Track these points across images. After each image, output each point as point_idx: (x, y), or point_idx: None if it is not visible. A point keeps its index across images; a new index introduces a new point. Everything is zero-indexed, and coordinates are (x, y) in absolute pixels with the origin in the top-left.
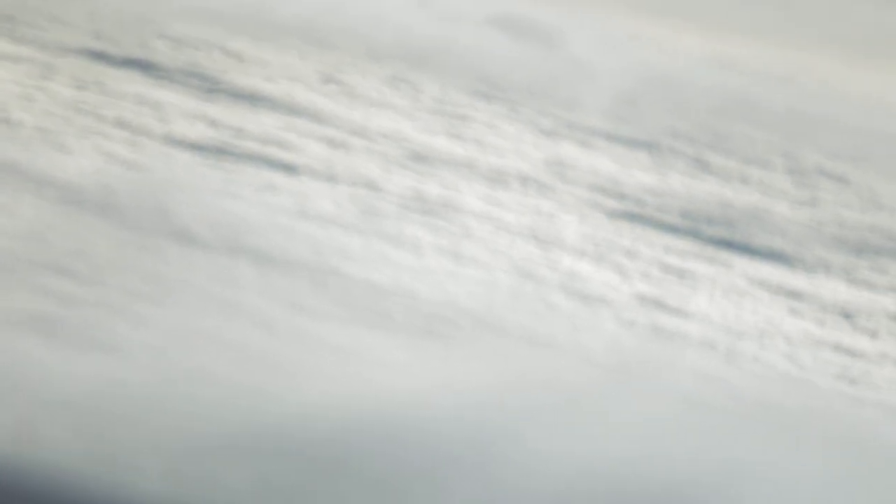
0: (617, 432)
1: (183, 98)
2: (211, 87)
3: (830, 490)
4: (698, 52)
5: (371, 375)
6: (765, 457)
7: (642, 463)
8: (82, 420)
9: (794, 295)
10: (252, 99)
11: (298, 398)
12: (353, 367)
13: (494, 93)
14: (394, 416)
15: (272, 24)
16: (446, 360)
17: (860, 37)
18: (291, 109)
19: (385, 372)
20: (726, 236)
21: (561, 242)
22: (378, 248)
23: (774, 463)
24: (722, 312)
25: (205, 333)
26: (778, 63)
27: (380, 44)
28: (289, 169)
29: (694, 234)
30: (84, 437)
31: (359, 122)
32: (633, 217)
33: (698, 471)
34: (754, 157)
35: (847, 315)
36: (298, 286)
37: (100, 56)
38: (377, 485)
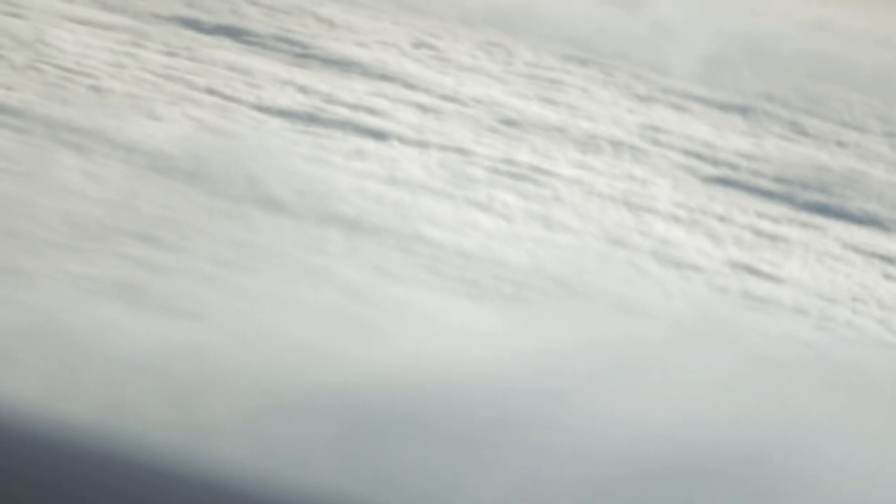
0: (687, 395)
1: (273, 64)
2: (302, 53)
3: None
4: (793, 15)
5: (454, 340)
6: (840, 419)
7: (705, 427)
8: (166, 385)
9: (890, 260)
10: (343, 65)
11: (380, 362)
12: (437, 331)
13: (589, 57)
14: (470, 379)
15: None
16: (530, 326)
17: None
18: (382, 75)
19: (468, 336)
20: (821, 201)
21: (653, 208)
22: (467, 214)
23: (847, 425)
24: (815, 278)
25: (290, 300)
26: (873, 25)
27: (469, 8)
28: (378, 135)
29: (788, 199)
30: (167, 401)
31: (450, 88)
32: (726, 182)
33: (764, 434)
34: (851, 121)
35: None
36: (386, 253)
37: (191, 23)
38: (446, 443)
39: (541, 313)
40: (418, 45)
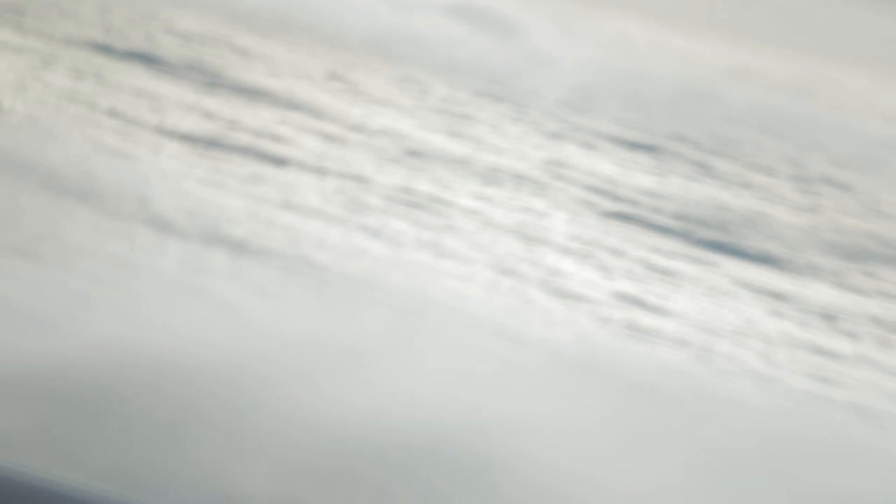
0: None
1: (182, 91)
2: (212, 80)
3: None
4: (718, 62)
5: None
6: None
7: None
8: (28, 401)
9: (778, 296)
10: (252, 93)
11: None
12: (297, 347)
13: (503, 94)
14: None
15: (284, 22)
16: (401, 347)
17: (881, 51)
18: (291, 104)
19: (315, 342)
20: (718, 238)
21: (547, 240)
22: (357, 240)
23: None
24: (700, 311)
25: (164, 317)
26: (798, 75)
27: (389, 43)
28: (278, 161)
29: (685, 236)
30: (28, 419)
31: (358, 119)
32: (625, 217)
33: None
34: (760, 164)
35: (829, 317)
36: (270, 274)
37: (104, 49)
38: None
39: (415, 335)
40: (332, 77)
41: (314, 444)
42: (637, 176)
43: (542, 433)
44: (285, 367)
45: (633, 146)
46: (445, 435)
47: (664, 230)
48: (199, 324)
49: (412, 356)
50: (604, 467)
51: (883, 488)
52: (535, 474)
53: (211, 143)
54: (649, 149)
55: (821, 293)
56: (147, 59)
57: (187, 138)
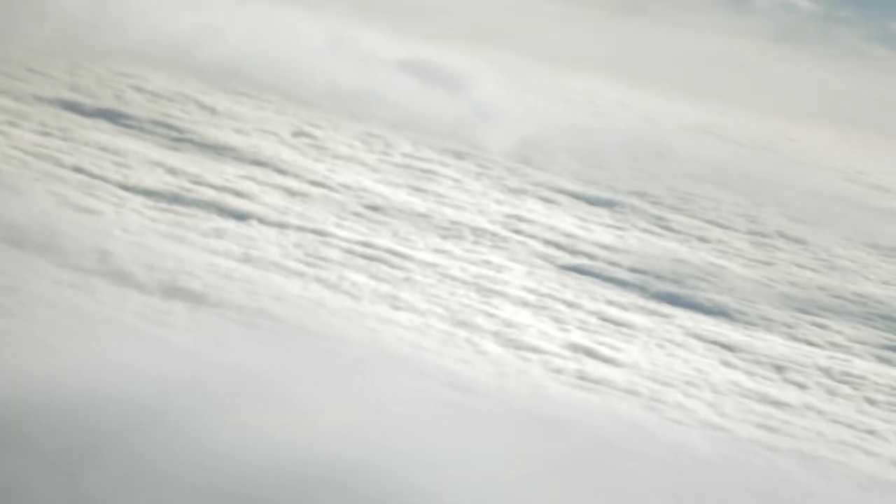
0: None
1: (147, 147)
2: (178, 137)
3: None
4: (683, 120)
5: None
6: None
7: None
8: None
9: (730, 348)
10: (217, 149)
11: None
12: (252, 395)
13: (466, 151)
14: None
15: (254, 81)
16: (345, 397)
17: (841, 109)
18: (255, 160)
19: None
20: (673, 291)
21: (503, 293)
22: (315, 292)
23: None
24: (652, 362)
25: (121, 366)
26: (761, 133)
27: (355, 102)
28: (240, 216)
29: (641, 289)
30: None
31: (321, 174)
32: (582, 270)
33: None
34: (717, 219)
35: (779, 368)
36: (226, 326)
37: (72, 106)
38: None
39: (364, 383)
40: (298, 133)
41: (236, 473)
42: (596, 230)
43: (463, 475)
44: (220, 405)
45: (594, 201)
46: (367, 473)
47: (620, 283)
48: (152, 371)
49: (355, 402)
50: None
51: None
52: None
53: (174, 199)
54: (609, 204)
55: (772, 344)
56: (114, 117)
57: (150, 193)
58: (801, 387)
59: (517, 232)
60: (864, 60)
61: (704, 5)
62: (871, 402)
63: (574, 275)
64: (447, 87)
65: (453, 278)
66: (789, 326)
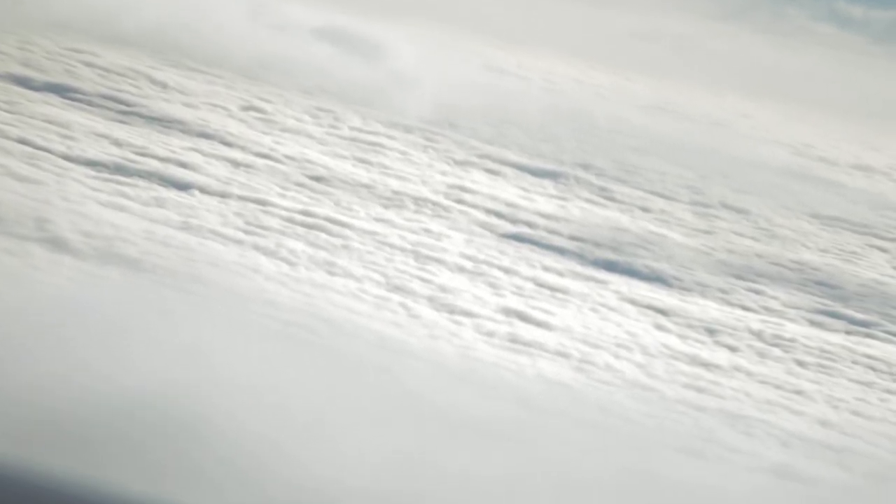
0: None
1: (94, 120)
2: (126, 110)
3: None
4: (638, 98)
5: (191, 368)
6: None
7: None
8: None
9: (663, 312)
10: (165, 122)
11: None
12: (179, 357)
13: (415, 124)
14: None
15: (207, 56)
16: (269, 358)
17: (792, 87)
18: (202, 133)
19: (206, 364)
20: (610, 258)
21: (441, 260)
22: (252, 259)
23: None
24: (585, 326)
25: (48, 332)
26: (716, 109)
27: (306, 76)
28: (182, 185)
29: (578, 256)
30: None
31: (267, 146)
32: (521, 238)
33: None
34: (661, 190)
35: (711, 331)
36: (161, 292)
37: (22, 81)
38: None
39: (294, 348)
40: (247, 108)
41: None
42: (539, 200)
43: (376, 435)
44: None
45: (539, 173)
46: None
47: (559, 250)
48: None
49: (274, 366)
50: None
51: (744, 488)
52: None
53: (117, 169)
54: (554, 175)
55: (705, 309)
56: (63, 91)
57: (93, 164)
58: (732, 349)
59: (459, 202)
60: (812, 38)
61: None
62: (801, 364)
63: (513, 243)
64: (372, 56)
65: (392, 246)
66: (725, 292)
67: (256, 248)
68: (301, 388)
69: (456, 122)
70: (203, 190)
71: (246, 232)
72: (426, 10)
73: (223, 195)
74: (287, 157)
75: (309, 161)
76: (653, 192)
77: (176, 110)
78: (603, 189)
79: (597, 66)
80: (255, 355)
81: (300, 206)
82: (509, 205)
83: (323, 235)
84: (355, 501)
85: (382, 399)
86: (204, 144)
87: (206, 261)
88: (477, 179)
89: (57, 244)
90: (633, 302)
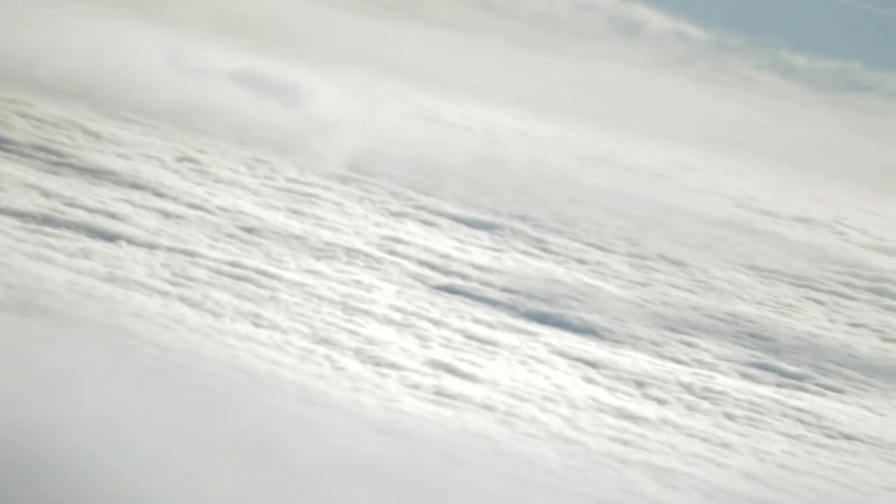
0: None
1: (25, 171)
2: (57, 161)
3: None
4: (581, 149)
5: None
6: None
7: None
8: None
9: (593, 364)
10: (96, 173)
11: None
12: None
13: (350, 175)
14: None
15: (144, 108)
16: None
17: (738, 137)
18: (134, 184)
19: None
20: (543, 310)
21: (370, 311)
22: (177, 310)
23: None
24: (512, 379)
25: None
26: (657, 160)
27: (244, 128)
28: (110, 237)
29: (510, 308)
30: None
31: (200, 197)
32: (453, 290)
33: None
34: (598, 242)
35: (640, 384)
36: (83, 344)
37: None
38: None
39: (208, 399)
40: (182, 158)
41: None
42: (473, 252)
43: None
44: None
45: (474, 224)
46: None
47: (491, 302)
48: None
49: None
50: None
51: None
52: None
53: (44, 220)
54: (489, 227)
55: (636, 361)
56: None
57: (21, 215)
58: (661, 402)
59: (392, 253)
60: (755, 88)
61: (597, 34)
62: (730, 416)
63: (445, 294)
64: (307, 105)
65: (320, 297)
66: (657, 344)
67: (182, 299)
68: (215, 439)
69: (392, 173)
70: (131, 241)
71: (172, 283)
72: (372, 60)
73: (151, 246)
74: (219, 208)
75: (241, 212)
76: (590, 244)
77: (109, 161)
78: (539, 241)
79: (541, 116)
80: (164, 406)
81: (229, 258)
82: (443, 256)
83: (251, 287)
84: None
85: (300, 451)
86: (135, 195)
87: (129, 312)
88: (411, 231)
89: None
90: (563, 354)
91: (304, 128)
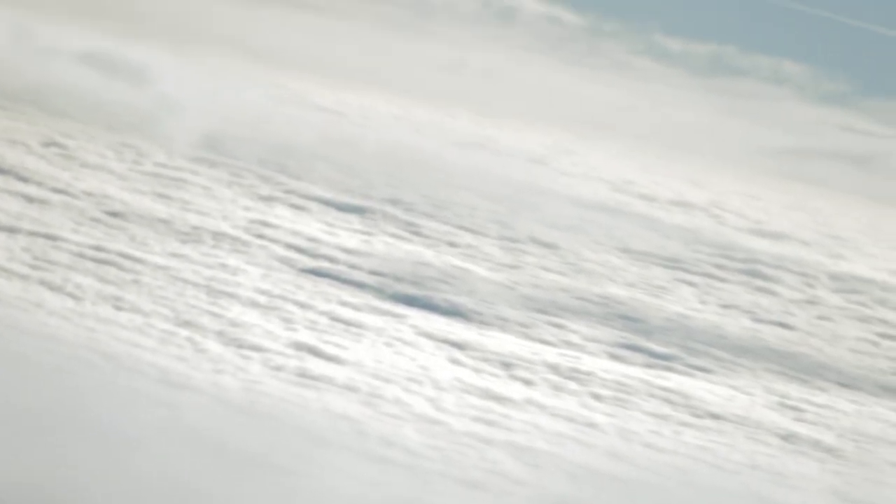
0: None
1: None
2: None
3: None
4: (456, 134)
5: None
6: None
7: None
8: None
9: (459, 346)
10: None
11: None
12: None
13: (220, 160)
14: None
15: (8, 91)
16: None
17: (618, 122)
18: None
19: None
20: (410, 293)
21: (234, 294)
22: (36, 293)
23: None
24: (377, 360)
25: None
26: (536, 144)
27: (112, 112)
28: None
29: (378, 290)
30: None
31: (64, 181)
32: (320, 273)
33: None
34: (470, 225)
35: (507, 365)
36: None
37: None
38: None
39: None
40: (48, 143)
41: None
42: (342, 235)
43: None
44: None
45: (345, 208)
46: None
47: (358, 285)
48: None
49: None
50: None
51: None
52: None
53: None
54: (360, 210)
55: (503, 343)
56: None
57: None
58: (527, 383)
59: (260, 237)
60: (630, 72)
61: (471, 18)
62: (596, 397)
63: (312, 277)
64: (170, 89)
65: (184, 281)
66: (525, 326)
67: (42, 283)
68: (75, 421)
69: (262, 157)
70: None
71: (32, 267)
72: (239, 44)
73: (12, 230)
74: (84, 192)
75: (107, 196)
76: (461, 227)
77: None
78: (410, 224)
79: (417, 102)
80: (20, 389)
81: (92, 242)
82: (311, 239)
83: (113, 270)
84: None
85: (158, 433)
86: None
87: None
88: (280, 214)
89: None
90: (429, 336)
91: (155, 108)
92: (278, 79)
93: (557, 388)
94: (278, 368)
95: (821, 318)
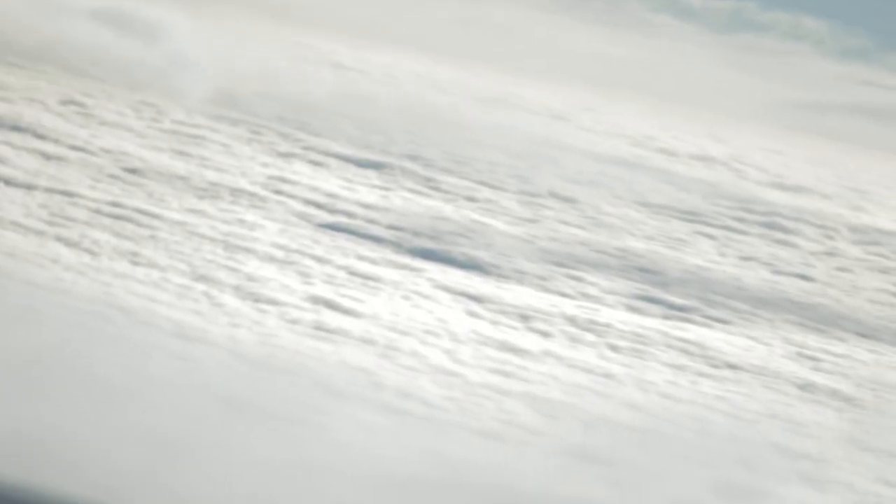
0: None
1: None
2: None
3: None
4: (478, 91)
5: None
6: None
7: None
8: None
9: (477, 299)
10: None
11: None
12: None
13: (241, 117)
14: None
15: (28, 51)
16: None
17: (633, 78)
18: (14, 126)
19: None
20: (428, 247)
21: (251, 249)
22: (52, 249)
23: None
24: (394, 313)
25: None
26: (558, 101)
27: (133, 71)
28: None
29: (395, 245)
30: None
31: (82, 139)
32: (338, 228)
33: None
34: (489, 180)
35: (524, 317)
36: None
37: None
38: None
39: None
40: (67, 102)
41: None
42: (361, 191)
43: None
44: None
45: (364, 164)
46: None
47: (375, 239)
48: None
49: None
50: None
51: (539, 469)
52: None
53: None
54: (379, 166)
55: (521, 295)
56: None
57: None
58: (544, 335)
59: (278, 192)
60: (651, 30)
61: None
62: (614, 348)
63: (330, 232)
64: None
65: (201, 236)
66: (543, 279)
67: (59, 238)
68: (89, 374)
69: (281, 114)
70: (8, 182)
71: (49, 223)
72: (261, 4)
73: (29, 187)
74: (102, 149)
75: (125, 153)
76: (481, 183)
77: None
78: (429, 179)
79: (440, 60)
80: (37, 343)
81: (110, 198)
82: (329, 195)
83: (130, 226)
84: (138, 483)
85: (174, 386)
86: (15, 137)
87: (2, 251)
88: (299, 171)
89: None
90: (447, 289)
91: (173, 66)
92: (298, 37)
93: (575, 340)
94: (295, 322)
95: (840, 269)
